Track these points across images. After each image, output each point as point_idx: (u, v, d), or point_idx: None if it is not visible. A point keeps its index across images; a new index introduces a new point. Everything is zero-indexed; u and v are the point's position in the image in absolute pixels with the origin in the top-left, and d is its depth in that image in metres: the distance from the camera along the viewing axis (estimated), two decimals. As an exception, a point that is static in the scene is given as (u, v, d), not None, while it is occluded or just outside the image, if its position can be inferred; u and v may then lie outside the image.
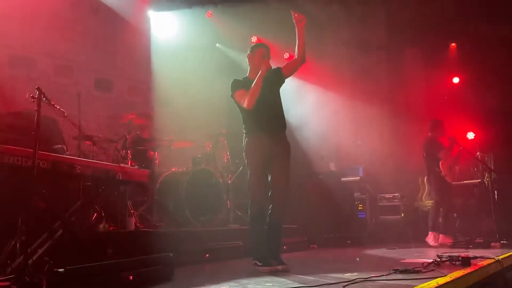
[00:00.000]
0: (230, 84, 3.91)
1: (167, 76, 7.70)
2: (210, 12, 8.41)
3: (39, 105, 2.97)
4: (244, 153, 3.89)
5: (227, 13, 8.46)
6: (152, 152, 5.77)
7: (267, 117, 3.85)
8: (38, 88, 3.00)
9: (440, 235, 6.38)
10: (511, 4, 8.08)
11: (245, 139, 3.90)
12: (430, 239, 6.42)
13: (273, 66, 3.91)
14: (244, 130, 3.93)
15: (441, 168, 6.40)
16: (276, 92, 3.97)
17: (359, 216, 7.95)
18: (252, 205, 3.79)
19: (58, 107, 3.56)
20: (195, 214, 5.31)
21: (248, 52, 4.02)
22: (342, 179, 8.26)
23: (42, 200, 3.34)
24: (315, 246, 6.66)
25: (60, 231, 3.29)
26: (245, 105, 3.75)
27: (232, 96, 3.89)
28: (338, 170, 8.49)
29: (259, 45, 4.10)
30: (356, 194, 8.09)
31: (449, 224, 6.60)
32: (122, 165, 3.84)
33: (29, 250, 2.83)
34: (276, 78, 3.94)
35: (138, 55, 7.71)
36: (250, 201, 3.80)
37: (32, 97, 3.03)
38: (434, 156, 6.50)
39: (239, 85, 3.87)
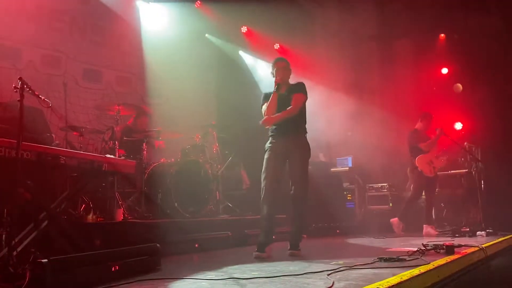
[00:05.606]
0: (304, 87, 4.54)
1: (156, 66, 7.66)
2: (199, 2, 8.35)
3: (21, 96, 2.94)
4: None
5: (217, 3, 8.40)
6: (140, 143, 5.74)
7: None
8: (20, 78, 2.97)
9: (424, 225, 6.48)
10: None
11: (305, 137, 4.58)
12: (394, 225, 6.59)
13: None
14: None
15: (416, 164, 6.46)
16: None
17: (348, 206, 8.02)
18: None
19: (42, 97, 3.52)
20: (184, 205, 5.31)
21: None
22: (331, 169, 8.32)
23: (27, 191, 3.33)
24: (305, 236, 6.68)
25: (46, 222, 3.28)
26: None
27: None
28: (328, 161, 8.55)
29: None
30: (345, 184, 8.16)
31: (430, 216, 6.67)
32: (108, 155, 3.82)
33: (13, 242, 2.82)
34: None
35: (127, 45, 7.63)
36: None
37: (15, 87, 3.00)
38: (414, 149, 6.55)
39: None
